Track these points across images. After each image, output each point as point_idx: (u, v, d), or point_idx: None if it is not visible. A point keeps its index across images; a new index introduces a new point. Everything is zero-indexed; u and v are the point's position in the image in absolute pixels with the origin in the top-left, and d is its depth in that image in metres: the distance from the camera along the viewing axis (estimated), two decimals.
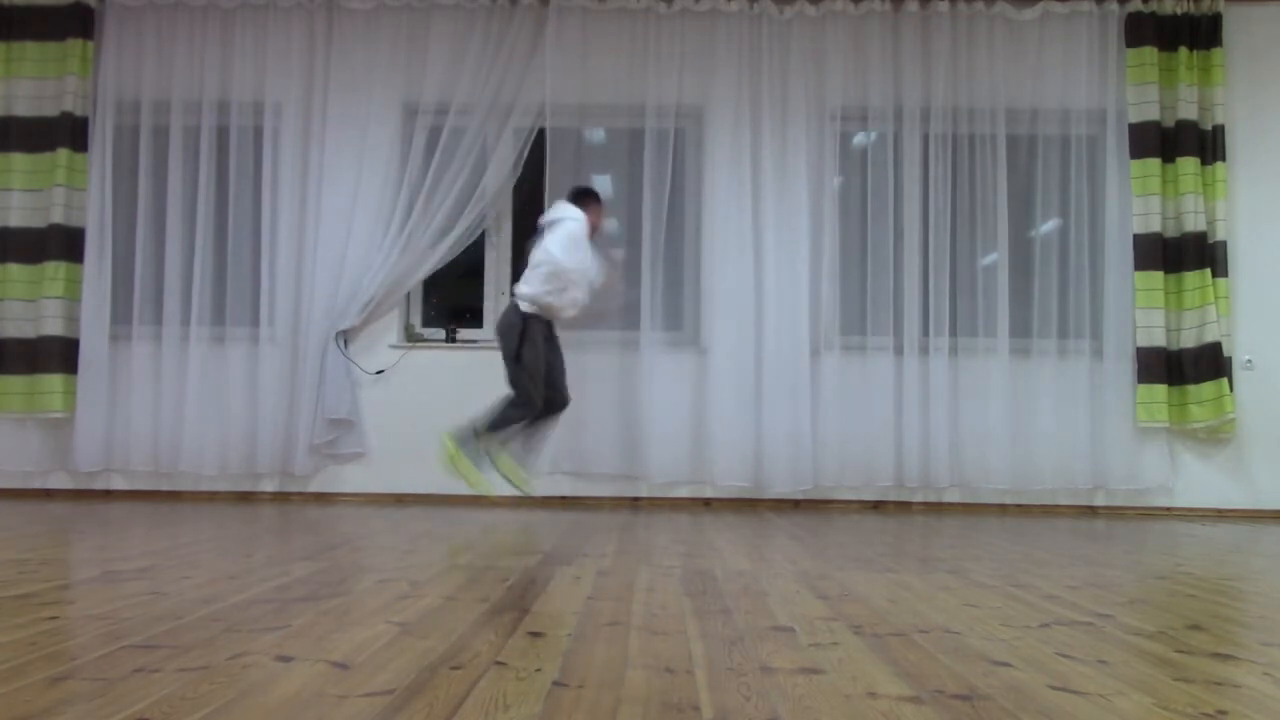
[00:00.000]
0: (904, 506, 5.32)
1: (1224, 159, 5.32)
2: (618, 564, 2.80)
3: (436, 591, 2.25)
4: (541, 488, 5.33)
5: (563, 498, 5.33)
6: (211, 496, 5.31)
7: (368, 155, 5.38)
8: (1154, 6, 5.39)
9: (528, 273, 4.59)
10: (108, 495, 5.33)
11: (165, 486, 5.34)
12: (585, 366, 5.27)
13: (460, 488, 5.33)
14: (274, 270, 5.33)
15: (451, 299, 5.74)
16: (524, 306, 4.55)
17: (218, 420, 5.27)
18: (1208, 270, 5.24)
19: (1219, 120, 5.32)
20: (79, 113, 5.36)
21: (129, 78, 5.44)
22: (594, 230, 4.72)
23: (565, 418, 5.27)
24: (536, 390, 4.57)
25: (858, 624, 1.93)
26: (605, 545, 3.28)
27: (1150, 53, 5.36)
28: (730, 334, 5.28)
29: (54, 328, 5.24)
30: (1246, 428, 5.33)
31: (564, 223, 4.57)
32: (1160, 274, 5.27)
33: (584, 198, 4.76)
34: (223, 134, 5.43)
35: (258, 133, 5.43)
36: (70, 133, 5.33)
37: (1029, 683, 1.48)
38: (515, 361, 4.53)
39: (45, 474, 5.35)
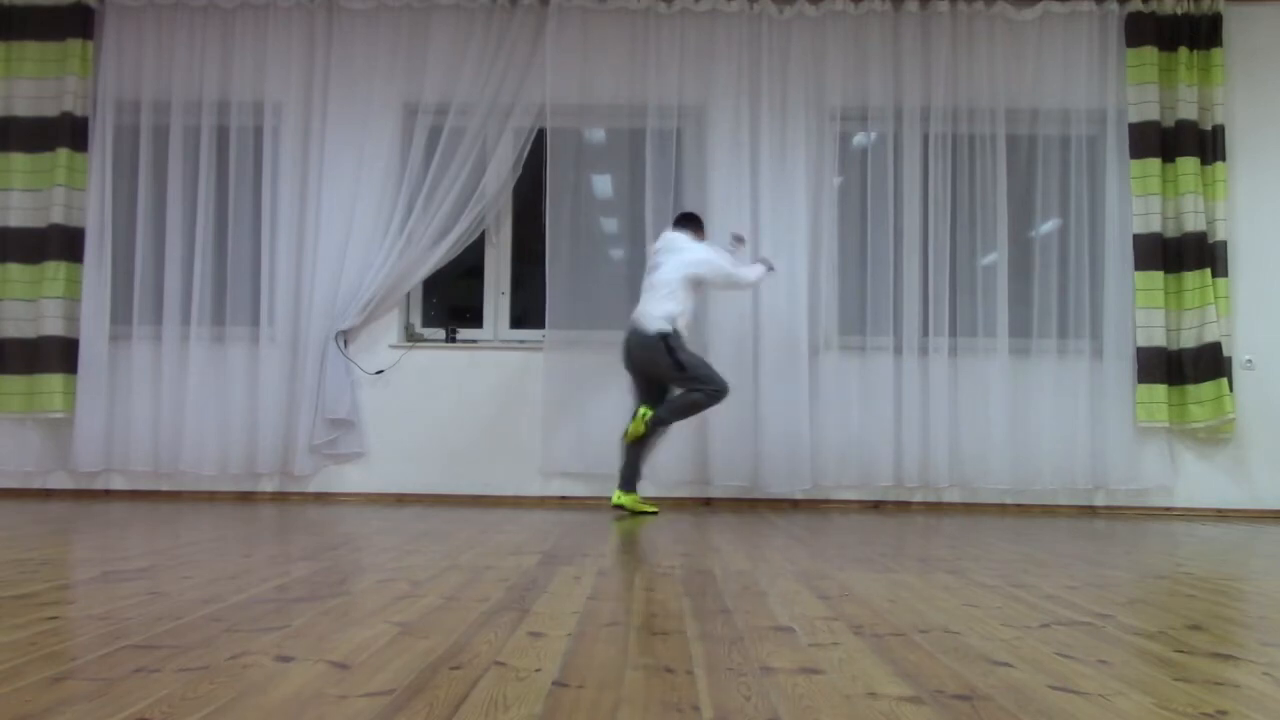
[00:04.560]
0: (904, 506, 5.32)
1: (1224, 159, 5.32)
2: (618, 564, 2.80)
3: (436, 591, 2.25)
4: (549, 488, 5.35)
5: (562, 498, 5.33)
6: (211, 496, 5.31)
7: (368, 155, 5.38)
8: (1154, 6, 5.39)
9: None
10: (108, 495, 5.33)
11: (165, 486, 5.34)
12: (586, 367, 5.28)
13: (461, 487, 5.34)
14: (274, 270, 5.33)
15: (451, 299, 5.74)
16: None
17: (218, 420, 5.27)
18: (1208, 270, 5.24)
19: (1219, 120, 5.32)
20: (79, 113, 5.36)
21: (129, 78, 5.44)
22: None
23: (565, 418, 5.29)
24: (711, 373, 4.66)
25: (858, 624, 1.93)
26: (605, 545, 3.28)
27: (1150, 53, 5.36)
28: (729, 333, 5.28)
29: (54, 328, 5.24)
30: (1246, 428, 5.32)
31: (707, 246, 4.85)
32: (1160, 274, 5.27)
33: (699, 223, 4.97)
34: (223, 134, 5.43)
35: (258, 133, 5.43)
36: (70, 133, 5.33)
37: (1029, 683, 1.48)
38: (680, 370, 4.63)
39: (45, 474, 5.35)
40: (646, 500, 4.85)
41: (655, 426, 4.64)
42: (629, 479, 4.69)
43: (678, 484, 5.28)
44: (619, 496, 4.67)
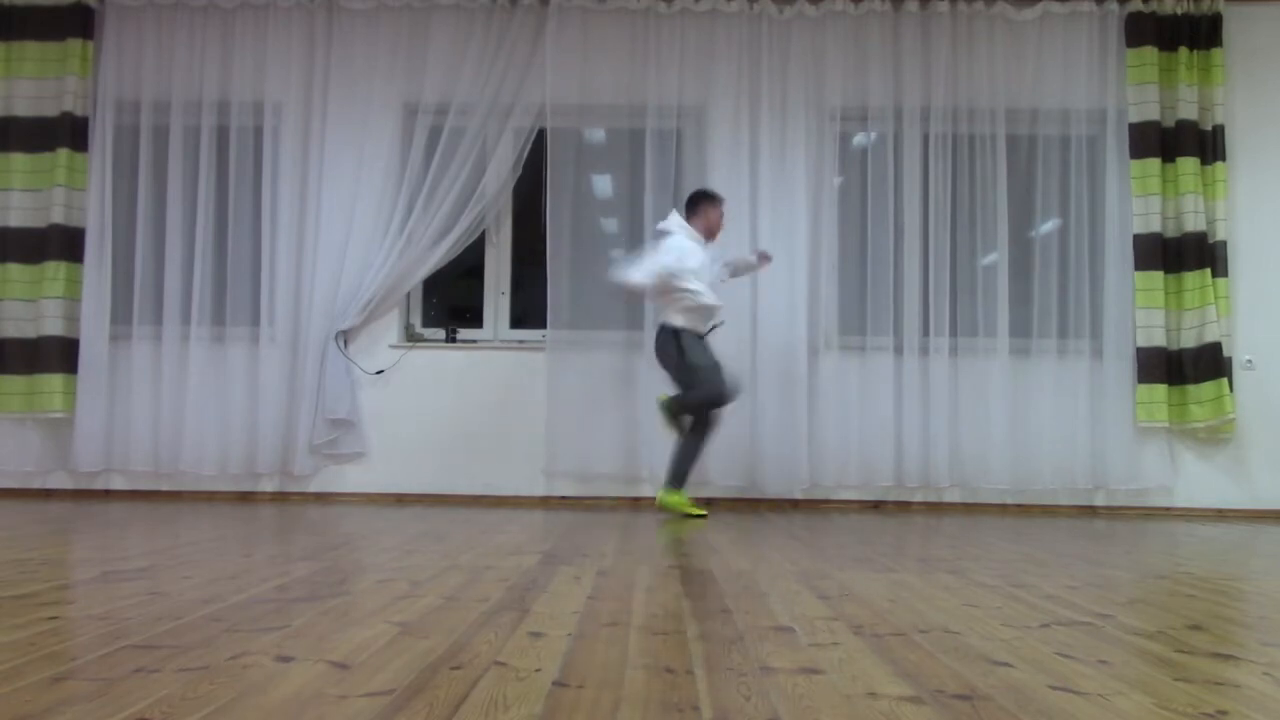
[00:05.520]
0: (904, 506, 5.32)
1: (1224, 159, 5.32)
2: (618, 564, 2.80)
3: (436, 591, 2.25)
4: (549, 488, 5.34)
5: (562, 498, 5.33)
6: (211, 496, 5.31)
7: (368, 155, 5.38)
8: (1154, 6, 5.39)
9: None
10: (108, 495, 5.33)
11: (165, 486, 5.34)
12: (587, 367, 5.28)
13: (461, 487, 5.33)
14: (274, 270, 5.33)
15: (451, 299, 5.74)
16: (675, 322, 4.58)
17: (218, 420, 5.27)
18: (1208, 270, 5.24)
19: (1219, 120, 5.32)
20: (79, 113, 5.36)
21: (129, 78, 5.44)
22: (710, 233, 4.72)
23: (565, 417, 5.29)
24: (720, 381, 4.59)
25: (858, 624, 1.93)
26: (605, 545, 3.28)
27: (1150, 53, 5.35)
28: (729, 333, 5.27)
29: (54, 328, 5.24)
30: (1246, 428, 5.32)
31: (668, 237, 4.64)
32: (1160, 274, 5.27)
33: (694, 203, 4.76)
34: (223, 134, 5.43)
35: (258, 132, 5.43)
36: (70, 133, 5.33)
37: (1029, 683, 1.48)
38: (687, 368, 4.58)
39: (45, 474, 5.35)
40: (695, 502, 4.71)
41: (674, 414, 4.59)
42: (676, 477, 4.56)
43: None
44: (664, 496, 4.57)
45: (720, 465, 5.22)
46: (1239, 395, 5.30)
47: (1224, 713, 1.33)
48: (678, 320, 4.57)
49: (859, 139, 5.51)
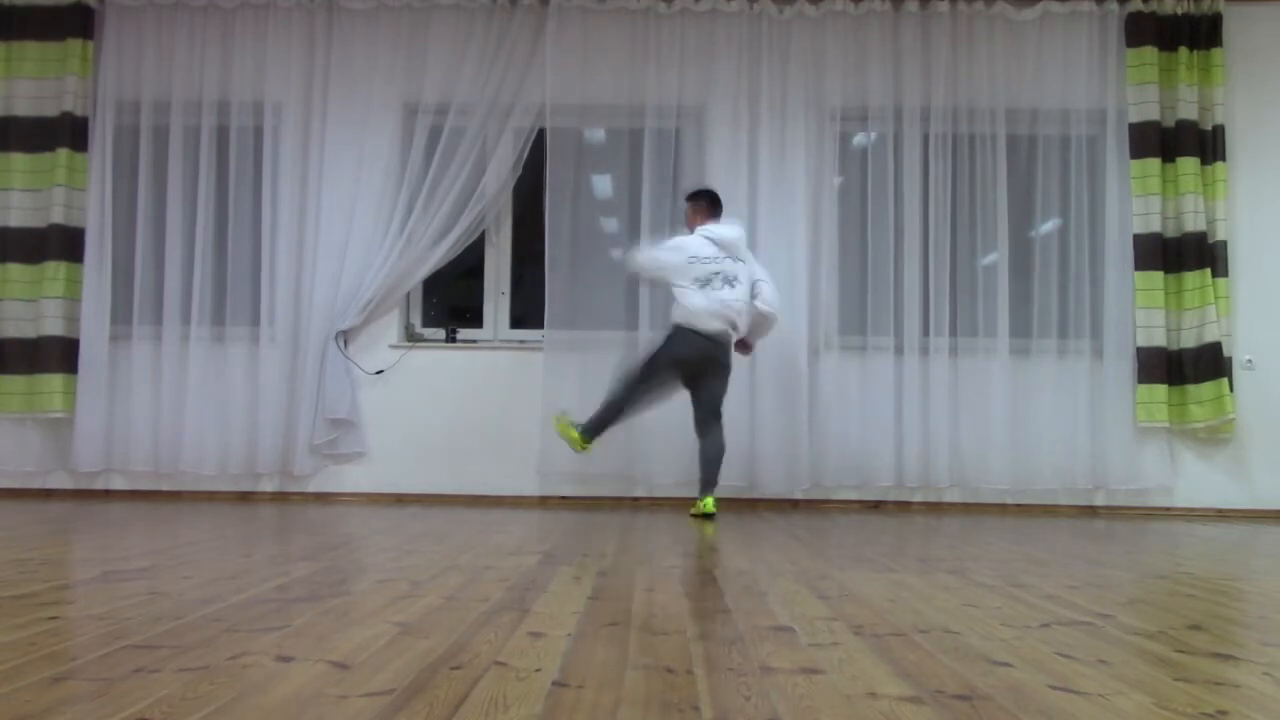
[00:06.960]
0: (904, 506, 5.32)
1: (1224, 159, 5.32)
2: (618, 564, 2.80)
3: (436, 591, 2.25)
4: (548, 488, 5.34)
5: (562, 498, 5.33)
6: (211, 496, 5.31)
7: (368, 155, 5.38)
8: (1154, 6, 5.39)
9: None
10: (108, 495, 5.33)
11: (165, 486, 5.34)
12: (587, 367, 5.28)
13: (461, 487, 5.33)
14: (274, 270, 5.33)
15: (451, 299, 5.74)
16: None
17: (218, 420, 5.27)
18: (1208, 270, 5.24)
19: (1219, 120, 5.32)
20: (79, 113, 5.36)
21: (129, 78, 5.44)
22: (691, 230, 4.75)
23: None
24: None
25: (858, 624, 1.93)
26: (605, 545, 3.28)
27: (1150, 53, 5.35)
28: None
29: (54, 328, 5.24)
30: (1246, 428, 5.32)
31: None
32: (1160, 274, 5.27)
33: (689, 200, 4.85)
34: (223, 134, 5.43)
35: (258, 133, 5.43)
36: (70, 133, 5.33)
37: (1029, 683, 1.48)
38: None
39: (45, 474, 5.35)
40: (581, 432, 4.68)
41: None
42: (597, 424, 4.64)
43: (678, 484, 5.27)
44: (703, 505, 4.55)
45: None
46: (1239, 395, 5.30)
47: (1224, 713, 1.33)
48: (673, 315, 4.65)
49: (859, 139, 5.50)
